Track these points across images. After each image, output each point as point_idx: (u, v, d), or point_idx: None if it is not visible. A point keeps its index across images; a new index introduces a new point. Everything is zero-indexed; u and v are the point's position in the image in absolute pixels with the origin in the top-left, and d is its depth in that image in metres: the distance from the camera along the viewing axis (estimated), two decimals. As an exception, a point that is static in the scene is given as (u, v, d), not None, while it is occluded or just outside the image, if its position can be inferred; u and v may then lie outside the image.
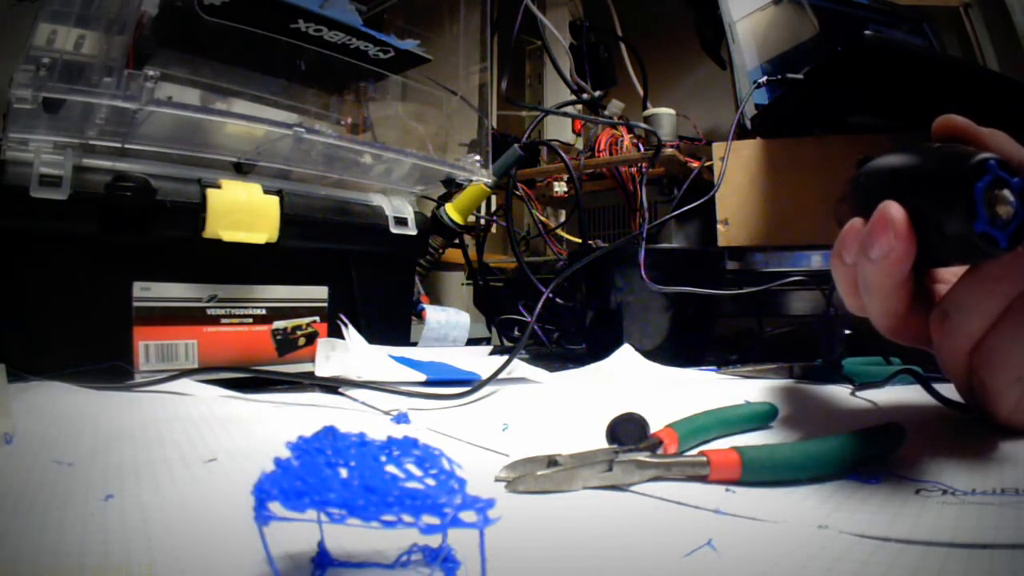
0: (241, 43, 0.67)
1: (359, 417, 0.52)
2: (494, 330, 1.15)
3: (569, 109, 1.18)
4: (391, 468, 0.22)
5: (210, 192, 0.63)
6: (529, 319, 0.81)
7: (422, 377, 0.64)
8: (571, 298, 0.96)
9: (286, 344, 0.73)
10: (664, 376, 0.75)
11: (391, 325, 0.84)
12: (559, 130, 1.28)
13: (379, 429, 0.42)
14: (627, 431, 0.37)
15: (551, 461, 0.34)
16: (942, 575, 0.22)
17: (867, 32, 0.70)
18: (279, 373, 0.66)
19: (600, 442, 0.37)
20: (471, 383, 0.61)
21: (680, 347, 0.84)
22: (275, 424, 0.47)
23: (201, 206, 0.63)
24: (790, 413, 0.49)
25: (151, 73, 0.55)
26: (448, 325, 0.93)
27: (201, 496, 0.30)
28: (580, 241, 0.98)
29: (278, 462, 0.21)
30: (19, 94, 0.51)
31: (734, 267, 0.88)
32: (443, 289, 1.45)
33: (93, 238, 0.59)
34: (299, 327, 0.74)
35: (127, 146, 0.61)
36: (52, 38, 0.55)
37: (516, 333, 1.07)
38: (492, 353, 0.87)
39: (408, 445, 0.23)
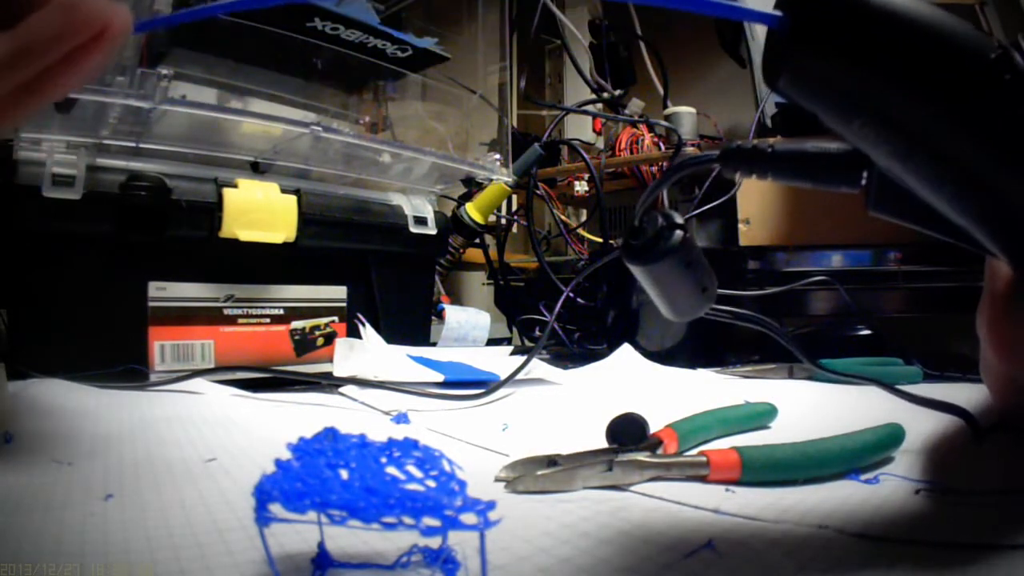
0: (257, 41, 0.66)
1: (358, 417, 0.52)
2: (515, 330, 1.15)
3: (589, 108, 1.18)
4: (392, 470, 0.22)
5: (226, 191, 0.63)
6: (549, 319, 0.80)
7: (440, 377, 0.64)
8: (592, 298, 0.95)
9: (304, 344, 0.72)
10: (663, 376, 0.75)
11: (410, 325, 0.83)
12: (579, 129, 1.27)
13: (379, 429, 0.42)
14: (627, 431, 0.37)
15: (551, 461, 0.34)
16: (942, 575, 0.22)
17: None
18: (293, 373, 0.66)
19: (600, 442, 0.37)
20: (489, 384, 0.60)
21: (700, 348, 0.83)
22: (275, 424, 0.47)
23: (217, 205, 0.63)
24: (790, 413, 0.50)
25: (165, 72, 0.54)
26: (468, 325, 0.93)
27: (201, 496, 0.30)
28: (601, 241, 0.97)
29: (279, 463, 0.21)
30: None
31: (755, 267, 0.86)
32: (463, 289, 1.44)
33: (108, 238, 0.59)
34: (317, 327, 0.73)
35: (141, 145, 0.61)
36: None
37: (537, 333, 1.06)
38: (513, 353, 0.86)
39: (408, 447, 0.23)
